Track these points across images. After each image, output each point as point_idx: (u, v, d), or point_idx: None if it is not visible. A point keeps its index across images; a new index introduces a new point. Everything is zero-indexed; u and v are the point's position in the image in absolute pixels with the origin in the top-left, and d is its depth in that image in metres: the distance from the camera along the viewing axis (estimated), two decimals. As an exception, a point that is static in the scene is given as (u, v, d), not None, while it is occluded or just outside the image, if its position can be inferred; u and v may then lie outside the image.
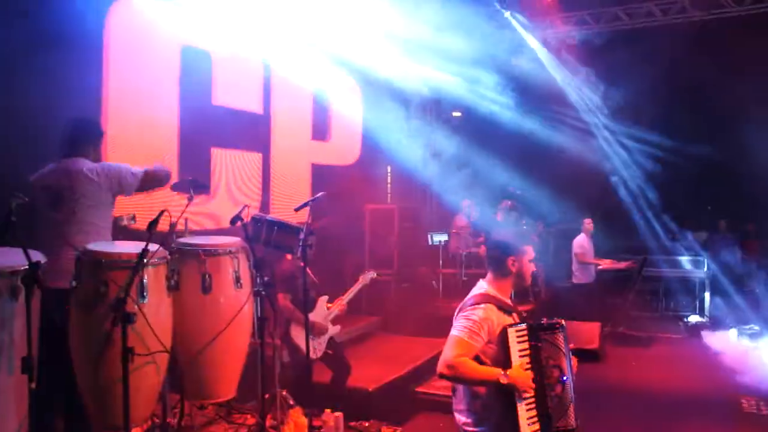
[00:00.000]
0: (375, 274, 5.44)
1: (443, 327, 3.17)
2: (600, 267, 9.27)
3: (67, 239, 3.76)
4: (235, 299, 3.69)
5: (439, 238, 9.45)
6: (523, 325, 2.99)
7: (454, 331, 2.95)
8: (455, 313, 3.06)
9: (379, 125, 8.60)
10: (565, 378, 2.98)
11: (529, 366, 2.93)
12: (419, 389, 6.13)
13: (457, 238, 9.64)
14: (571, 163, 10.57)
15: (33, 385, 2.99)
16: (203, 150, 6.41)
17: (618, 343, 8.66)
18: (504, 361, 2.90)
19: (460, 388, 3.04)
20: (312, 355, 4.75)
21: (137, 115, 5.55)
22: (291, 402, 4.58)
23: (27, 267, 2.92)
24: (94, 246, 3.31)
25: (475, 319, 2.91)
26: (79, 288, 3.22)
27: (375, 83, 8.67)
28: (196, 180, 4.44)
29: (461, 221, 9.81)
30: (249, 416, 4.62)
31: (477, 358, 2.91)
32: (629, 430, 5.60)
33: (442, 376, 2.88)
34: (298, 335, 4.86)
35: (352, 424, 4.98)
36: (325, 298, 5.21)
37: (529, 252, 3.16)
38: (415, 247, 9.34)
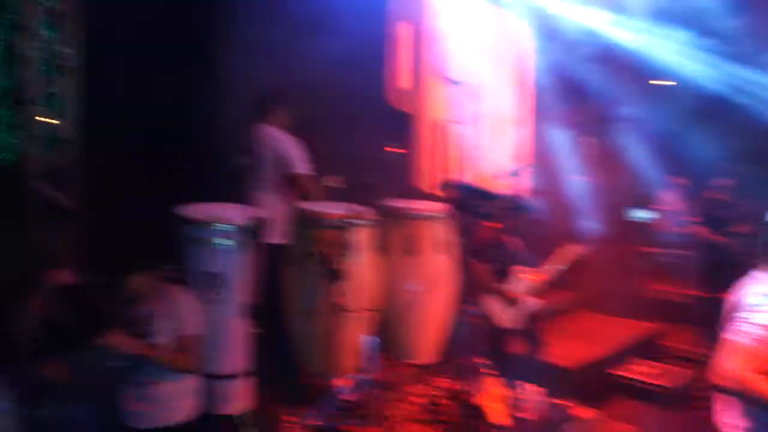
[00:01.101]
0: (582, 249, 5.14)
1: (647, 309, 2.83)
2: None
3: (278, 199, 4.06)
4: (438, 264, 3.69)
5: (643, 214, 8.74)
6: None
7: (735, 336, 2.44)
8: (725, 311, 2.62)
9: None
10: None
11: None
12: (617, 372, 5.77)
13: (664, 215, 8.83)
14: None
15: (254, 329, 3.27)
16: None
17: None
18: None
19: (735, 400, 2.61)
20: (506, 326, 4.65)
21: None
22: (488, 371, 4.52)
23: (250, 222, 3.17)
24: (307, 205, 3.49)
25: (763, 323, 2.41)
26: (293, 244, 3.42)
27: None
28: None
29: (669, 198, 8.95)
30: (446, 381, 4.64)
31: None
32: None
33: (721, 389, 2.49)
34: (493, 305, 4.77)
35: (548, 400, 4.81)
36: (524, 269, 5.04)
37: None
38: (616, 222, 8.74)
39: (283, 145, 4.09)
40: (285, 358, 4.19)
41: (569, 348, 5.79)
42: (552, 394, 4.72)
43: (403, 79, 6.04)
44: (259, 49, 4.79)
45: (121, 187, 5.10)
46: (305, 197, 3.97)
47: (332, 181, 4.06)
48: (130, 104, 5.23)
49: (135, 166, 5.15)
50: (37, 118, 4.42)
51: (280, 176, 4.04)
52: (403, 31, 6.04)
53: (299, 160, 4.06)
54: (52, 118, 4.54)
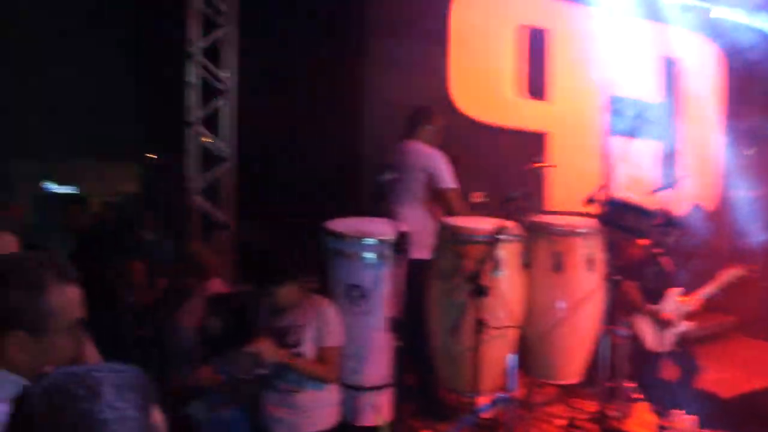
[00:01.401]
0: (743, 271, 4.74)
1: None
2: None
3: (421, 214, 4.09)
4: (586, 281, 3.55)
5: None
6: None
7: None
8: None
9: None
10: None
11: None
12: (785, 406, 5.24)
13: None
14: None
15: (396, 343, 3.29)
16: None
17: None
18: None
19: None
20: (657, 349, 4.37)
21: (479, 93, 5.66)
22: (636, 395, 4.27)
23: (395, 236, 3.20)
24: (453, 220, 3.48)
25: None
26: (438, 259, 3.42)
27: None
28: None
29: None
30: (589, 403, 4.44)
31: None
32: None
33: None
34: (643, 326, 4.50)
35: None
36: (678, 290, 4.72)
37: None
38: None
39: (432, 160, 4.13)
40: (426, 373, 4.20)
41: (724, 375, 5.36)
42: (704, 424, 4.38)
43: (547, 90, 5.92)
44: (400, 65, 4.88)
45: (270, 201, 5.40)
46: (451, 212, 3.98)
47: (476, 197, 4.04)
48: (279, 124, 5.53)
49: (283, 181, 5.43)
50: (198, 138, 4.77)
51: (426, 191, 4.08)
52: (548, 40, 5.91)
53: (447, 175, 4.09)
54: (211, 139, 4.88)
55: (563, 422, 4.23)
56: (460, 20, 5.49)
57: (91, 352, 1.86)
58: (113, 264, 4.53)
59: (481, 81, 5.65)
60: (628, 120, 5.99)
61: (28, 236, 4.07)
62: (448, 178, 4.10)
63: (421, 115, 4.31)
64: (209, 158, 5.06)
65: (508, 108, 5.80)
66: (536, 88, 5.93)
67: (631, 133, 6.02)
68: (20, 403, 1.07)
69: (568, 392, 4.65)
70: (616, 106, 6.04)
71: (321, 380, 3.04)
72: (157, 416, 1.14)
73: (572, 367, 3.83)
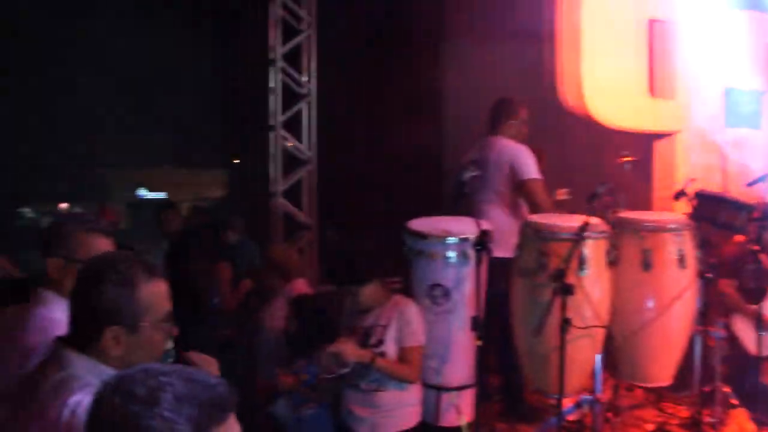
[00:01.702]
0: None
1: None
2: None
3: (503, 212, 4.04)
4: (677, 280, 3.40)
5: None
6: None
7: None
8: None
9: None
10: None
11: None
12: None
13: None
14: None
15: (479, 342, 3.26)
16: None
17: None
18: None
19: None
20: (758, 353, 4.13)
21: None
22: (733, 401, 4.06)
23: (477, 235, 3.18)
24: (537, 217, 3.42)
25: None
26: (521, 257, 3.37)
27: None
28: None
29: None
30: (682, 408, 4.26)
31: None
32: None
33: None
34: (741, 327, 4.27)
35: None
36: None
37: None
38: None
39: (515, 153, 4.07)
40: (509, 373, 4.15)
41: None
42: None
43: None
44: (481, 65, 4.86)
45: (351, 202, 5.49)
46: (534, 205, 3.92)
47: (560, 194, 3.96)
48: (358, 126, 5.63)
49: (364, 182, 5.51)
50: (280, 142, 4.90)
51: (510, 187, 4.02)
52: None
53: (531, 167, 4.03)
54: (292, 142, 5.00)
55: (652, 427, 4.08)
56: (574, 18, 5.32)
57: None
58: (200, 267, 4.72)
59: (612, 82, 5.43)
60: (743, 111, 5.72)
61: (122, 240, 4.29)
62: (531, 170, 4.03)
63: (505, 108, 4.24)
64: (291, 161, 5.20)
65: (641, 110, 5.58)
66: (663, 86, 5.70)
67: (745, 124, 5.75)
68: (96, 397, 1.09)
69: (658, 396, 4.48)
70: (731, 98, 5.76)
71: (403, 380, 3.05)
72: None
73: (662, 370, 3.68)
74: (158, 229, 5.17)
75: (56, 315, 2.05)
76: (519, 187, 4.03)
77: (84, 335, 1.56)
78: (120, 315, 1.55)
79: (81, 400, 1.44)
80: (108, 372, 1.54)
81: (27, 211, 17.87)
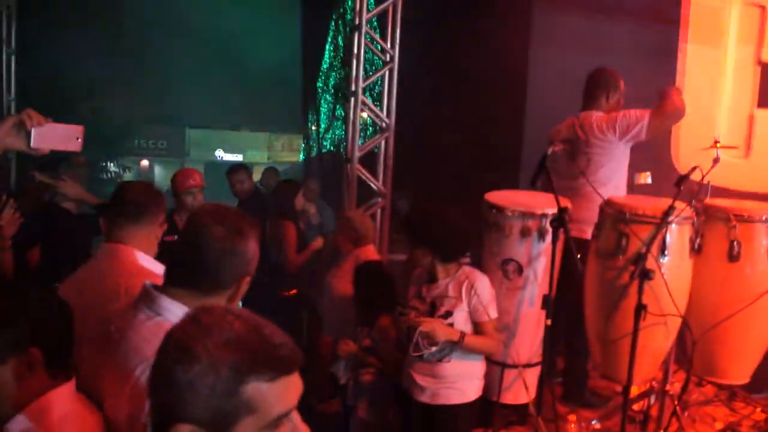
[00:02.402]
0: None
1: None
2: None
3: (584, 191, 3.92)
4: (765, 274, 3.24)
5: None
6: None
7: None
8: None
9: None
10: None
11: None
12: None
13: None
14: None
15: (548, 322, 3.21)
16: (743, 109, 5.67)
17: None
18: None
19: None
20: None
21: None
22: (815, 407, 3.88)
23: (556, 212, 3.12)
24: (619, 198, 3.32)
25: None
26: (600, 238, 3.28)
27: None
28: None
29: None
30: (758, 409, 4.09)
31: None
32: None
33: None
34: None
35: None
36: None
37: None
38: None
39: (611, 122, 3.85)
40: (577, 356, 4.08)
41: None
42: None
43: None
44: (564, 38, 4.71)
45: (428, 173, 5.48)
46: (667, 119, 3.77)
47: (641, 177, 3.82)
48: (439, 96, 5.58)
49: (443, 153, 5.47)
50: (361, 109, 4.92)
51: (615, 157, 3.85)
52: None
53: (633, 124, 3.80)
54: (372, 110, 5.01)
55: (722, 426, 3.94)
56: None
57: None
58: (268, 225, 4.81)
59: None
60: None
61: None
62: (638, 122, 3.76)
63: (603, 80, 4.00)
64: (371, 129, 5.22)
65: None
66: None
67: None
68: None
69: (730, 394, 4.32)
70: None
71: (489, 354, 3.05)
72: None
73: (740, 368, 3.53)
74: (231, 191, 5.31)
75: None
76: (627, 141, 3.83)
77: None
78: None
79: None
80: None
81: (111, 165, 18.74)
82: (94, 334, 1.67)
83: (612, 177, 3.88)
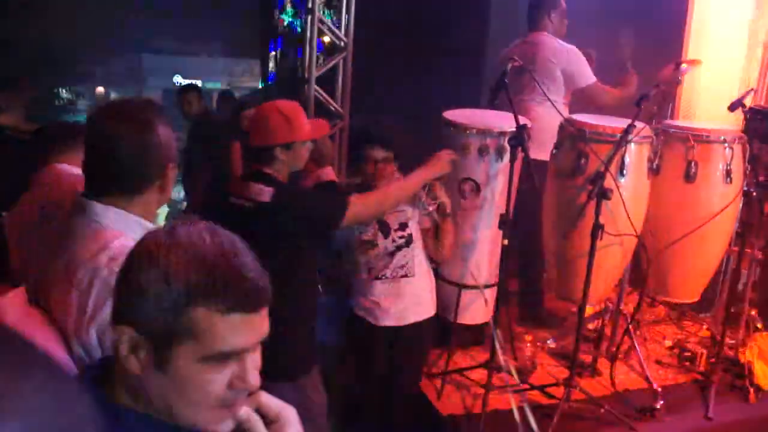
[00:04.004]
0: None
1: None
2: None
3: (545, 113, 3.87)
4: (720, 196, 3.25)
5: None
6: None
7: None
8: None
9: None
10: None
11: None
12: None
13: None
14: None
15: (505, 242, 3.19)
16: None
17: None
18: None
19: None
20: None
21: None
22: (759, 325, 4.00)
23: (515, 130, 3.04)
24: (579, 116, 3.26)
25: None
26: (558, 157, 3.24)
27: None
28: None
29: None
30: (703, 327, 4.22)
31: None
32: None
33: None
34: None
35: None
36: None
37: None
38: None
39: (570, 59, 3.94)
40: (533, 277, 4.12)
41: None
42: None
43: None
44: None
45: (384, 94, 5.33)
46: (602, 106, 3.84)
47: None
48: (397, 12, 5.36)
49: (399, 72, 5.32)
50: (317, 27, 4.70)
51: (562, 93, 3.93)
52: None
53: (586, 70, 3.96)
54: (330, 28, 4.79)
55: (671, 343, 4.06)
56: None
57: None
58: (218, 146, 4.67)
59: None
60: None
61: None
62: (587, 75, 3.94)
63: (541, 1, 4.08)
64: (326, 49, 5.02)
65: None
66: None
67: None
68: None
69: (680, 313, 4.44)
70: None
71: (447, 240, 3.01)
72: None
73: (691, 287, 3.60)
74: (181, 112, 5.12)
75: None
76: (577, 93, 3.92)
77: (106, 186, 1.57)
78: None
79: (124, 244, 1.45)
80: (135, 219, 1.53)
81: (63, 91, 18.01)
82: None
83: (558, 100, 3.91)
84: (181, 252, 0.99)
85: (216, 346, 0.99)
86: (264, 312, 1.03)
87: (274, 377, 1.25)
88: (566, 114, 3.89)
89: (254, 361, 1.04)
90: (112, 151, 1.51)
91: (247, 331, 1.01)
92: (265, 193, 2.45)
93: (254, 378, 1.03)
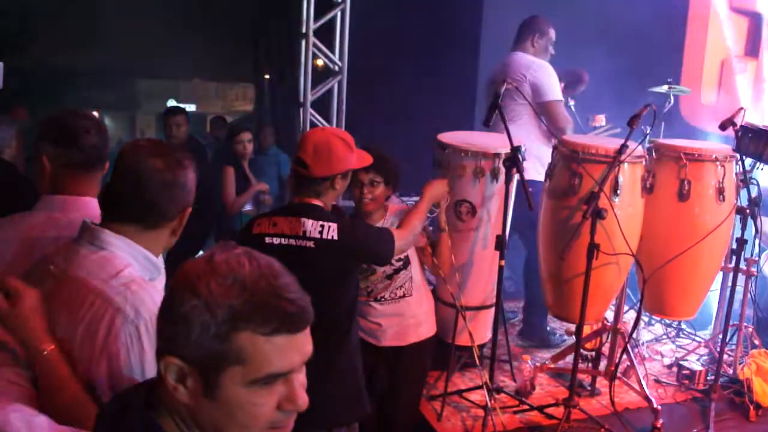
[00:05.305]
0: None
1: None
2: None
3: (538, 131, 3.92)
4: (713, 213, 3.27)
5: None
6: None
7: None
8: None
9: None
10: None
11: None
12: None
13: None
14: None
15: (502, 263, 3.20)
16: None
17: None
18: None
19: None
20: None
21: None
22: (756, 341, 4.01)
23: (509, 151, 3.07)
24: (572, 137, 3.30)
25: None
26: (553, 178, 3.26)
27: None
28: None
29: None
30: (701, 344, 4.23)
31: None
32: None
33: None
34: (774, 269, 4.17)
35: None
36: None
37: None
38: None
39: (533, 69, 3.97)
40: (530, 297, 4.12)
41: None
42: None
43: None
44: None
45: (379, 117, 5.38)
46: (555, 128, 3.81)
47: (598, 120, 3.81)
48: (391, 39, 5.44)
49: (394, 97, 5.37)
50: (312, 52, 4.75)
51: (536, 106, 3.90)
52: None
53: (549, 87, 3.95)
54: (324, 52, 4.85)
55: (669, 361, 4.07)
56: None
57: None
58: (209, 170, 4.68)
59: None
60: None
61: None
62: (549, 90, 3.93)
63: (530, 24, 4.14)
64: (321, 74, 5.07)
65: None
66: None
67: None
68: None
69: (677, 332, 4.45)
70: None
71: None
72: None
73: (687, 305, 3.61)
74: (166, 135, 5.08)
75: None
76: (539, 107, 3.91)
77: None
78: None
79: (133, 273, 1.46)
80: (143, 252, 1.53)
81: (58, 117, 17.95)
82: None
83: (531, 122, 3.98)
84: (221, 279, 0.99)
85: (263, 369, 0.99)
86: (307, 331, 1.03)
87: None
88: (540, 133, 3.93)
89: (300, 380, 1.04)
90: (141, 179, 1.51)
91: (293, 351, 1.01)
92: (332, 230, 2.36)
93: (302, 398, 1.03)
